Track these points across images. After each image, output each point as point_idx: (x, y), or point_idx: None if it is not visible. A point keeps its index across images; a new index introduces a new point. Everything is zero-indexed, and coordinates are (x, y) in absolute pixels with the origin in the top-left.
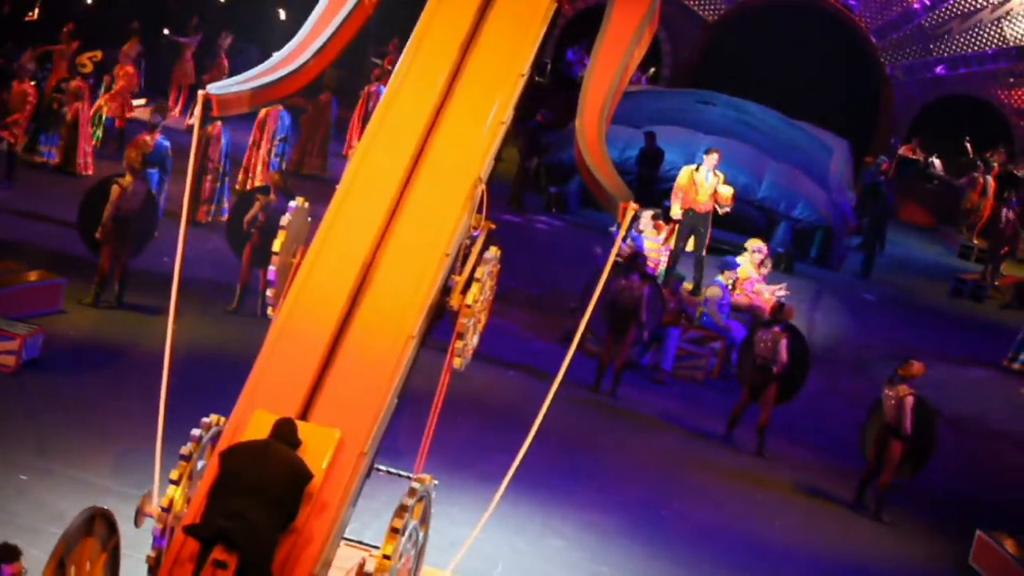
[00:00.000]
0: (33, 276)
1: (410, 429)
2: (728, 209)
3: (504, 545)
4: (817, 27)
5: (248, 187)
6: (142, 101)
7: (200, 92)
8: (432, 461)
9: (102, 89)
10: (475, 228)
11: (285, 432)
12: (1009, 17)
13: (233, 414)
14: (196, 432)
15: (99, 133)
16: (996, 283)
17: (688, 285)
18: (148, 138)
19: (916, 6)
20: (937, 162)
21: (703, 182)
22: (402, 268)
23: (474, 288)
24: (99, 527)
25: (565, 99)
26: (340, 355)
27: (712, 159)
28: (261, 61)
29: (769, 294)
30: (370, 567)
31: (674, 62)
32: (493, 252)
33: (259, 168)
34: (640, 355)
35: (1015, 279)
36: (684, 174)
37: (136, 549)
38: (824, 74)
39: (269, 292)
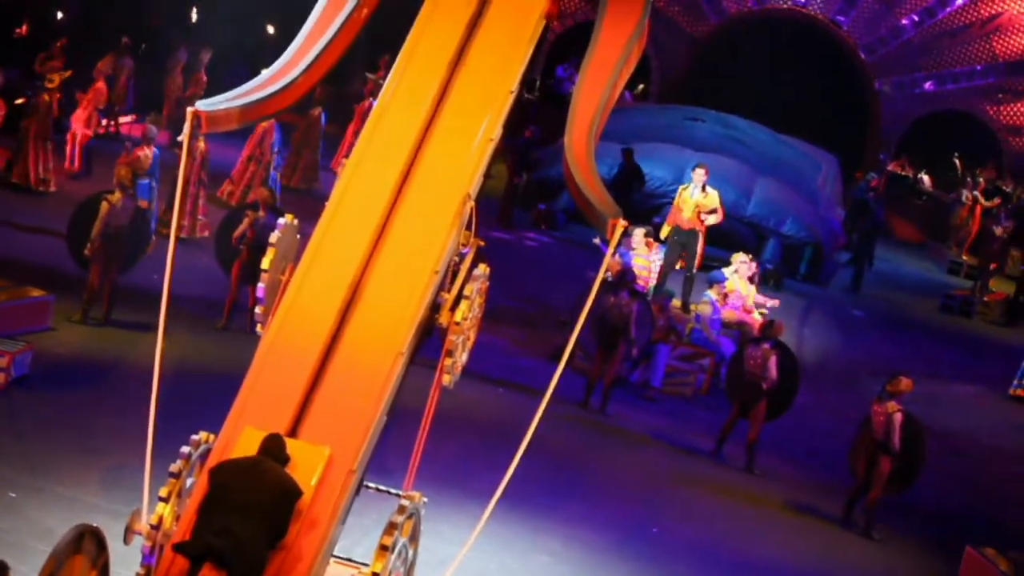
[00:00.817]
0: (21, 293)
1: (399, 446)
2: (713, 219)
3: (493, 562)
4: (806, 43)
5: (237, 200)
6: (130, 118)
7: (189, 109)
8: (421, 478)
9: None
10: (464, 245)
11: (273, 448)
12: (998, 33)
13: (222, 431)
14: (185, 449)
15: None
16: (985, 299)
17: (677, 302)
18: (143, 154)
19: (905, 22)
20: (926, 178)
21: (688, 199)
22: (391, 285)
23: (463, 305)
24: (88, 544)
25: (554, 115)
26: (329, 372)
27: (698, 175)
28: (250, 78)
29: (761, 309)
30: None
31: (662, 78)
32: (482, 269)
33: (254, 181)
34: (629, 372)
35: (1004, 295)
36: (679, 192)
37: (125, 567)
38: (813, 90)
39: (258, 309)
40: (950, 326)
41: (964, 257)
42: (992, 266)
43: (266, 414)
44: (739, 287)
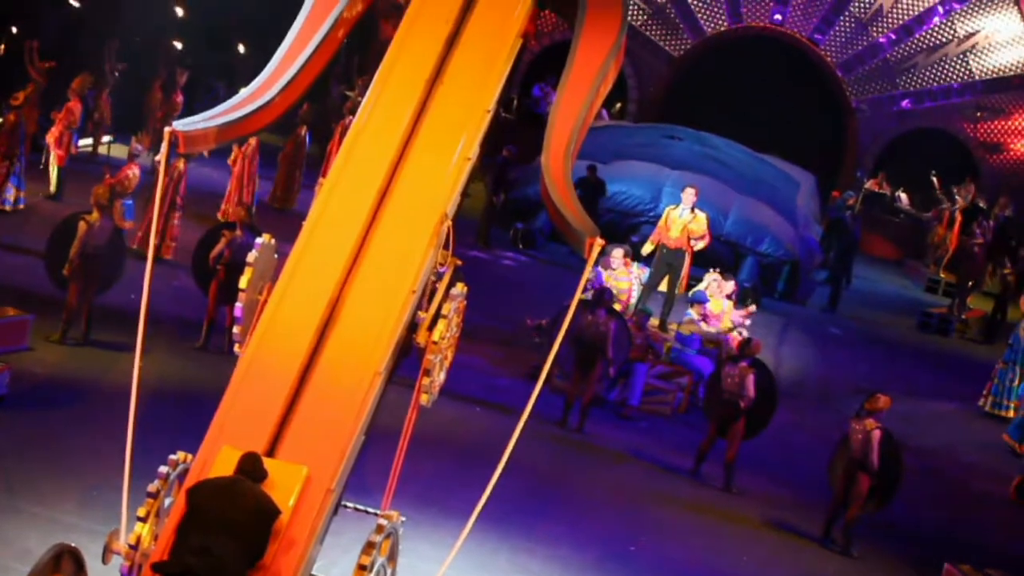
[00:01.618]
0: None
1: (377, 465)
2: (702, 245)
3: None
4: (783, 61)
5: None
6: (110, 137)
7: (166, 129)
8: (399, 497)
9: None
10: (442, 264)
11: (251, 468)
12: (975, 51)
13: (200, 451)
14: (163, 469)
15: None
16: (963, 317)
17: (655, 321)
18: (131, 173)
19: (882, 40)
20: (903, 196)
21: (676, 218)
22: (369, 305)
23: (441, 324)
24: (66, 564)
25: (532, 134)
26: (307, 392)
27: (688, 195)
28: (228, 97)
29: (738, 320)
30: None
31: (640, 97)
32: (460, 288)
33: (238, 201)
34: (607, 391)
35: (982, 313)
36: (665, 212)
37: None
38: (790, 108)
39: (236, 329)
40: (928, 344)
41: (941, 275)
42: (970, 284)
43: (244, 433)
44: (725, 307)
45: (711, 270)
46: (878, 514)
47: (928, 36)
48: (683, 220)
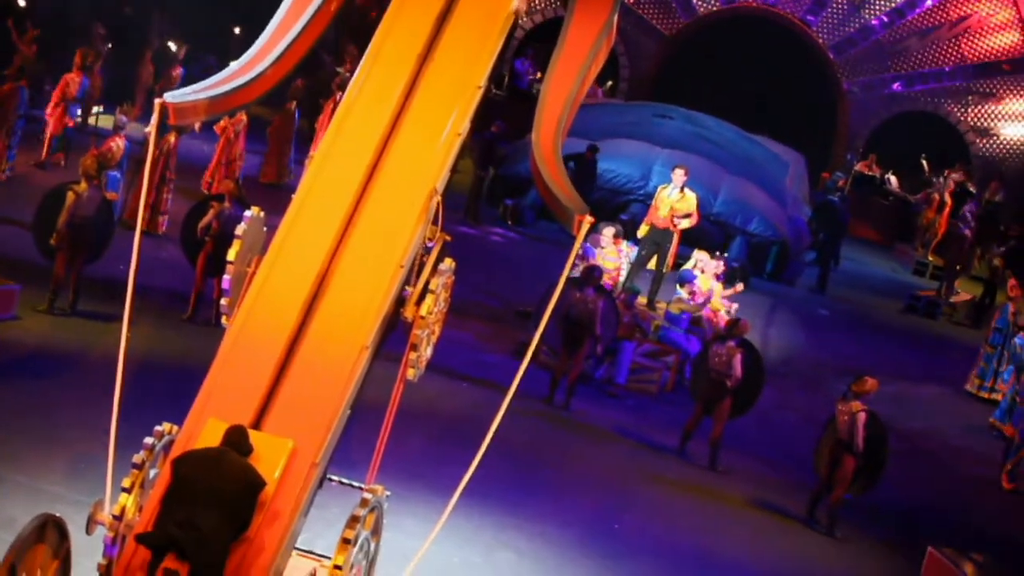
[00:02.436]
0: None
1: (363, 440)
2: (687, 223)
3: (456, 557)
4: (775, 42)
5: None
6: (99, 108)
7: (156, 100)
8: (385, 472)
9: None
10: (430, 240)
11: (237, 440)
12: (967, 35)
13: (186, 423)
14: (149, 440)
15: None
16: (950, 300)
17: (643, 299)
18: (115, 144)
19: (874, 22)
20: (893, 179)
21: (665, 198)
22: (357, 279)
23: (428, 300)
24: (50, 534)
25: (520, 110)
26: (294, 365)
27: (677, 175)
28: (219, 70)
29: (726, 303)
30: None
31: (632, 75)
32: (448, 264)
33: (226, 174)
34: (594, 368)
35: (970, 297)
36: (657, 192)
37: (87, 556)
38: (781, 89)
39: (223, 301)
40: (915, 327)
41: (930, 258)
42: (957, 268)
43: (230, 406)
44: (714, 285)
45: (697, 250)
46: (863, 496)
47: (920, 19)
48: (671, 200)
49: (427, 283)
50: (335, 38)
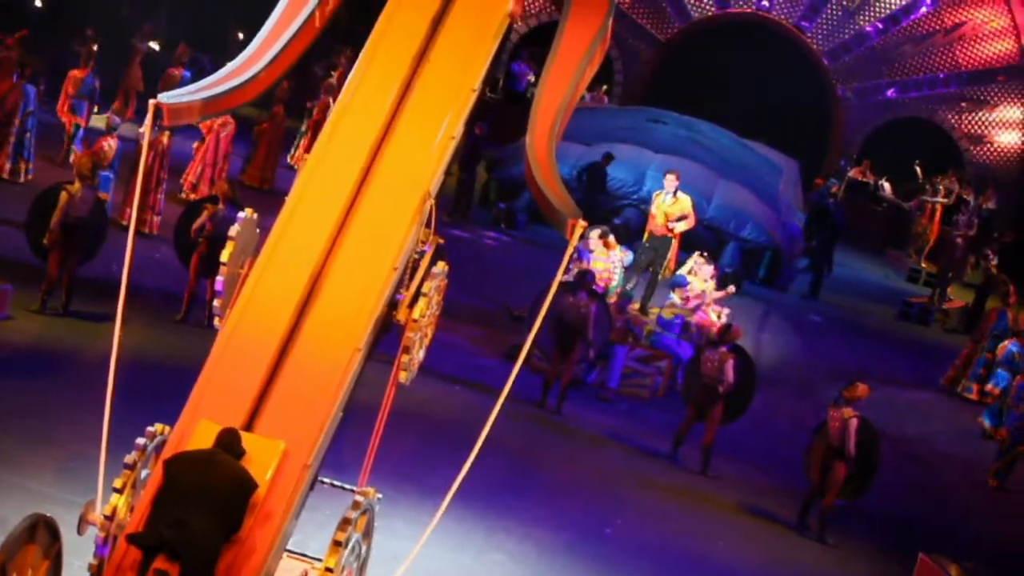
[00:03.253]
0: None
1: (355, 442)
2: (682, 226)
3: (447, 560)
4: (769, 47)
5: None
6: (95, 109)
7: (151, 101)
8: (376, 475)
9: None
10: (424, 243)
11: (228, 442)
12: (961, 42)
13: (178, 423)
14: (140, 441)
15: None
16: (943, 307)
17: (635, 304)
18: (107, 145)
19: (868, 28)
20: (887, 185)
21: (661, 204)
22: (350, 281)
23: (421, 302)
24: (42, 534)
25: (504, 112)
26: (286, 367)
27: (669, 181)
28: (214, 71)
29: (717, 309)
30: None
31: (626, 80)
32: (441, 267)
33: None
34: (586, 372)
35: (962, 304)
36: (653, 199)
37: (78, 557)
38: (775, 94)
39: (216, 302)
40: (908, 333)
41: (923, 264)
42: (950, 274)
43: (222, 407)
44: (705, 288)
45: (696, 253)
46: (854, 502)
47: (915, 26)
48: (666, 206)
49: (420, 286)
50: (328, 41)
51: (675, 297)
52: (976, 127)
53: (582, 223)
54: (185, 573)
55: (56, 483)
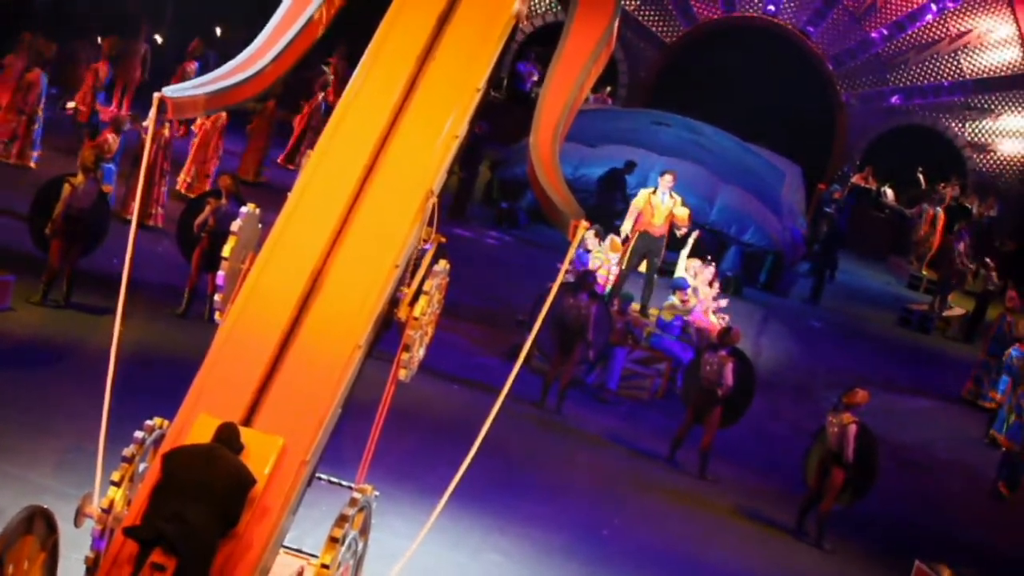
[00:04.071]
0: None
1: (353, 439)
2: (685, 230)
3: (443, 558)
4: (774, 52)
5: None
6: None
7: (155, 95)
8: (374, 472)
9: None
10: (426, 241)
11: (227, 436)
12: (966, 50)
13: (177, 417)
14: (139, 434)
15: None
16: (944, 315)
17: (636, 306)
18: (111, 137)
19: (874, 35)
20: (889, 192)
21: (659, 204)
22: (351, 278)
23: (422, 300)
24: (38, 525)
25: (505, 111)
26: (286, 362)
27: (667, 181)
28: (219, 66)
29: (714, 312)
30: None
31: (630, 82)
32: (442, 265)
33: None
34: (586, 373)
35: (962, 311)
36: (641, 196)
37: (75, 549)
38: (780, 99)
39: (217, 297)
40: (907, 340)
41: (924, 272)
42: (952, 282)
43: (221, 402)
44: (706, 291)
45: (683, 252)
46: (852, 508)
47: (920, 33)
48: (667, 207)
49: (421, 284)
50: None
51: (674, 299)
52: (980, 136)
53: (584, 224)
54: (182, 567)
55: (54, 475)
